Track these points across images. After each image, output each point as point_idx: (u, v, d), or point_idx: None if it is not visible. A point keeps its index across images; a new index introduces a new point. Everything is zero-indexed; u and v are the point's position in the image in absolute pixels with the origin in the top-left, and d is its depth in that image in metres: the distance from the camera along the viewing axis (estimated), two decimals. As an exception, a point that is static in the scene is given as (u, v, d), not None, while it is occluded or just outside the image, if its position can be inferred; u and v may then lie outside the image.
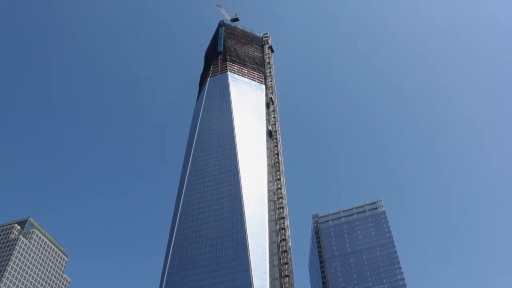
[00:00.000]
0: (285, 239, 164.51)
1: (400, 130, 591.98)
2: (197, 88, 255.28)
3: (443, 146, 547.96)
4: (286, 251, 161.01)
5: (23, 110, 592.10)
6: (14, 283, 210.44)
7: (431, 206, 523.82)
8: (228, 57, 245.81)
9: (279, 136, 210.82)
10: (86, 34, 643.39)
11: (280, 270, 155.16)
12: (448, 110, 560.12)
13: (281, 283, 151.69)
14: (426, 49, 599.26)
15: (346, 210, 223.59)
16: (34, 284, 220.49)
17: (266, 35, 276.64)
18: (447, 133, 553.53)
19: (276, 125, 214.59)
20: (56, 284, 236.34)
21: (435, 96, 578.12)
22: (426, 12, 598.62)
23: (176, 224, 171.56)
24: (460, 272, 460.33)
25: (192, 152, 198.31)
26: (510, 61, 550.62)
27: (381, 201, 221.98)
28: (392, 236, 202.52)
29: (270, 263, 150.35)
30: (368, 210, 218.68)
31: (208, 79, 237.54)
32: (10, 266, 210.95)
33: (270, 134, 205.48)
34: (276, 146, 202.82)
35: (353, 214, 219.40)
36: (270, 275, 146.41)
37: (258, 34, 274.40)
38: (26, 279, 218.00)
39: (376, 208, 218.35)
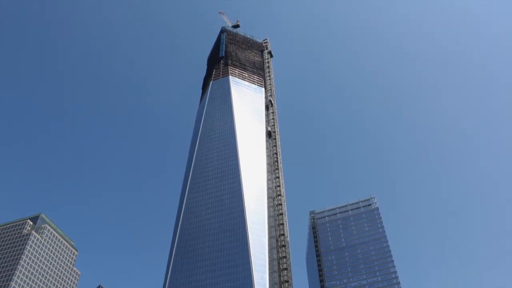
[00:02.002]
0: (283, 234, 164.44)
1: (393, 131, 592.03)
2: (200, 91, 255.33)
3: (433, 146, 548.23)
4: (284, 246, 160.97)
5: (35, 111, 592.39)
6: (27, 275, 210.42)
7: (421, 202, 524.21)
8: (229, 61, 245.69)
9: (278, 137, 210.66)
10: (97, 41, 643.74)
11: (278, 263, 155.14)
12: (439, 111, 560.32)
13: (279, 275, 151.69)
14: (417, 52, 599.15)
15: (341, 207, 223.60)
16: (45, 277, 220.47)
17: (266, 40, 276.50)
18: (437, 132, 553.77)
19: (275, 126, 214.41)
20: (66, 276, 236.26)
21: (426, 97, 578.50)
22: (417, 17, 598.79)
23: (180, 220, 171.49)
24: (448, 264, 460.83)
25: (195, 151, 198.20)
26: (498, 62, 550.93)
27: (374, 198, 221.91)
28: (385, 231, 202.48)
29: (269, 256, 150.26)
30: (362, 207, 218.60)
31: (211, 82, 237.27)
32: (23, 259, 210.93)
33: (269, 134, 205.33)
34: (275, 146, 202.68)
35: (348, 211, 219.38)
36: (269, 268, 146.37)
37: (258, 40, 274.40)
38: (38, 272, 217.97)
39: (370, 205, 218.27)
